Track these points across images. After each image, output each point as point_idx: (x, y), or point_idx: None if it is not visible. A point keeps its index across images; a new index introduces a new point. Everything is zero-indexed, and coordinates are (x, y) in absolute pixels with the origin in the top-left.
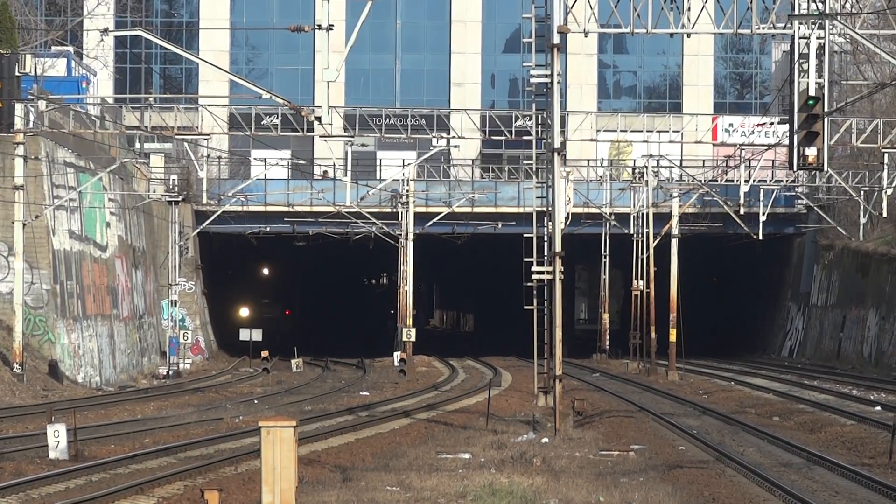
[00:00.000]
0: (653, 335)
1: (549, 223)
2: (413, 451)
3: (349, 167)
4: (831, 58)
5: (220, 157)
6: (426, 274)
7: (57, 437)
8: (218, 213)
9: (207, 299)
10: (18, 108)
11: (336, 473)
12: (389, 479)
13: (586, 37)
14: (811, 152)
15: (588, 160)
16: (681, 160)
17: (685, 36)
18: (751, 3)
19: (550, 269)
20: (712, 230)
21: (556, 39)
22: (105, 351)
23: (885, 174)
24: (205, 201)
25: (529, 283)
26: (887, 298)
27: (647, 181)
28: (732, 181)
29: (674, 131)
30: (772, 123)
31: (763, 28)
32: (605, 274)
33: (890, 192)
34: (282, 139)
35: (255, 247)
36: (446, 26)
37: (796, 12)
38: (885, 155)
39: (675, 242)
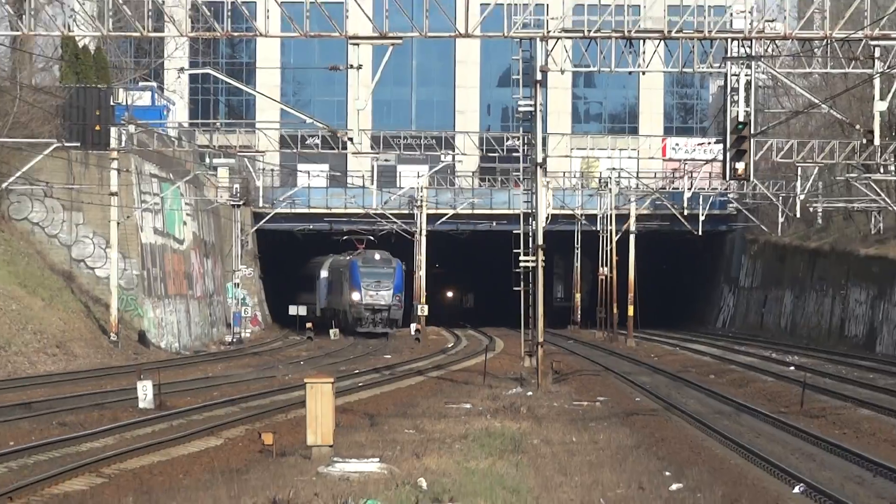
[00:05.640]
0: (615, 310)
1: (533, 222)
2: (425, 402)
3: (375, 177)
4: (756, 91)
5: (272, 170)
6: (437, 262)
7: (145, 391)
8: (271, 214)
9: (263, 282)
10: (113, 132)
11: (365, 419)
12: (407, 423)
13: (563, 74)
14: (740, 166)
15: (564, 172)
16: (637, 172)
17: (641, 73)
18: (693, 48)
19: (534, 258)
20: (662, 228)
21: (539, 76)
22: (182, 323)
23: (798, 183)
24: (261, 205)
25: (517, 270)
26: (800, 281)
27: (610, 189)
28: (678, 189)
29: (631, 149)
30: (709, 143)
31: (703, 67)
32: (577, 262)
33: (802, 197)
34: (321, 155)
35: (301, 241)
36: (451, 66)
37: (729, 55)
38: (799, 168)
39: (632, 237)
